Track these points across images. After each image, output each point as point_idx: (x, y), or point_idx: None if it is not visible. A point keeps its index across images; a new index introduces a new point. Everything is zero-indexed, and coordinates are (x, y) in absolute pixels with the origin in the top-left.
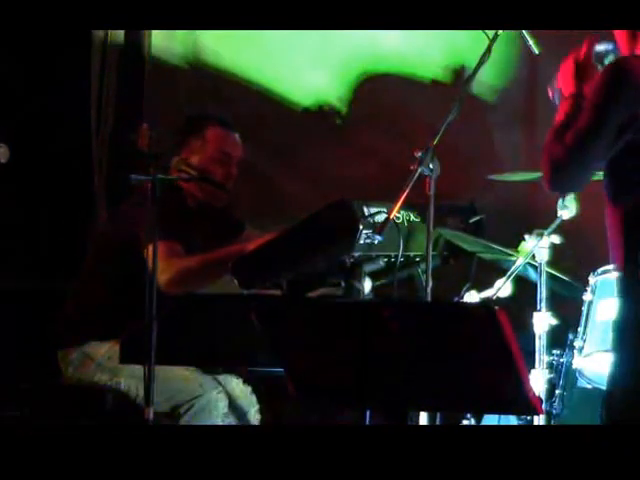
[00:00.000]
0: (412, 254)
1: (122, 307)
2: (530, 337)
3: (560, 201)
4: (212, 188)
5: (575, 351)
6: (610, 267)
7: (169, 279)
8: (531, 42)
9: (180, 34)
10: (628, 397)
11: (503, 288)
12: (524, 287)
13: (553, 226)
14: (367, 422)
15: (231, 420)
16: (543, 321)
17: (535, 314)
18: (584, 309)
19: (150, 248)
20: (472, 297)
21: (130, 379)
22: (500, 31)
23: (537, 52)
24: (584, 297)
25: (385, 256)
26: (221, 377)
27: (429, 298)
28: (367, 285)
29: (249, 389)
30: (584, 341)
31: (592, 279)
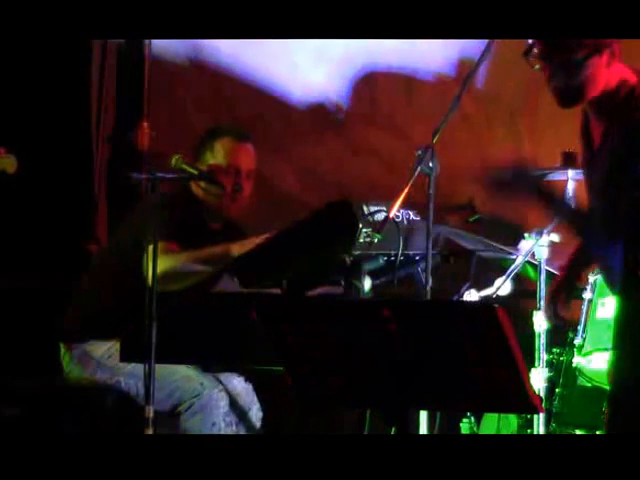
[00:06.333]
0: (412, 253)
1: (124, 307)
2: (530, 335)
3: None
4: (219, 192)
5: (575, 349)
6: None
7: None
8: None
9: None
10: (633, 396)
11: (503, 287)
12: (524, 285)
13: (552, 224)
14: (367, 421)
15: (232, 419)
16: (543, 319)
17: (535, 312)
18: (584, 307)
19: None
20: (472, 296)
21: (130, 378)
22: None
23: None
24: (584, 295)
25: (385, 255)
26: (222, 375)
27: (429, 297)
28: (367, 284)
29: (250, 387)
30: (584, 339)
31: (592, 277)
